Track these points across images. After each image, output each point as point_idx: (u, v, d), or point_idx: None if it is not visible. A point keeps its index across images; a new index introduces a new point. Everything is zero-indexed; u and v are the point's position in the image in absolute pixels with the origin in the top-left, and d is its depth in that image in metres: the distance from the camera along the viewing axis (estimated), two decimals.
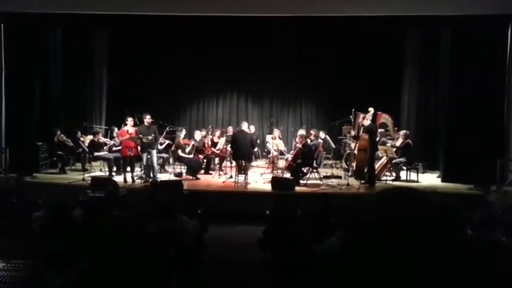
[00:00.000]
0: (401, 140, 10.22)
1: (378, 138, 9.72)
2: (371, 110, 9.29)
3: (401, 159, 10.01)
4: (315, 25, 10.46)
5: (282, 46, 12.49)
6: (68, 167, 10.89)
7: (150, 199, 5.10)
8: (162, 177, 9.69)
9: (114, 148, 10.48)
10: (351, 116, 10.25)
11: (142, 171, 9.53)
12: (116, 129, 11.12)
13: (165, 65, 13.00)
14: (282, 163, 11.07)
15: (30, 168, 9.79)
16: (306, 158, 9.45)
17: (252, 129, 11.58)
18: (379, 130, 10.02)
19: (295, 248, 3.89)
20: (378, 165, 9.78)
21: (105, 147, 10.53)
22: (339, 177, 10.20)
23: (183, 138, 10.61)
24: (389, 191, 1.04)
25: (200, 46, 12.63)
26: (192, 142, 10.54)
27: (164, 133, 10.52)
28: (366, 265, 0.93)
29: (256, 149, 11.62)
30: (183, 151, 10.27)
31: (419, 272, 0.89)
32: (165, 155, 11.03)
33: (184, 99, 14.11)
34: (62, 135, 10.75)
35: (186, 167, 10.41)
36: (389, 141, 10.45)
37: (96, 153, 10.17)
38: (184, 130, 11.12)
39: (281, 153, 11.08)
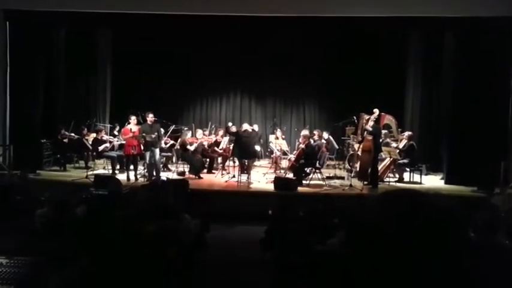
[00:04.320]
0: (405, 142, 10.18)
1: (381, 140, 9.70)
2: (376, 111, 9.27)
3: (404, 161, 9.98)
4: (319, 25, 10.46)
5: (286, 46, 12.47)
6: (71, 164, 10.93)
7: (153, 198, 5.11)
8: (164, 175, 9.70)
9: (115, 143, 10.49)
10: (354, 117, 10.24)
11: (145, 170, 9.56)
12: (117, 127, 11.14)
13: (168, 64, 13.01)
14: (284, 163, 11.06)
15: (34, 165, 9.82)
16: (308, 158, 9.43)
17: (256, 128, 11.57)
18: (383, 131, 10.00)
19: (297, 248, 3.89)
20: (381, 166, 9.75)
21: (108, 145, 10.55)
22: (342, 178, 10.19)
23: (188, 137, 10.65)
24: (392, 193, 1.04)
25: (204, 45, 12.63)
26: (197, 140, 10.54)
27: (169, 132, 10.54)
28: (367, 266, 0.93)
29: (259, 148, 11.62)
30: (187, 149, 10.29)
31: (421, 274, 0.89)
32: (168, 154, 11.05)
33: (188, 99, 14.12)
34: (66, 132, 10.79)
35: (189, 166, 10.42)
36: (393, 143, 10.42)
37: (100, 148, 10.23)
38: (190, 131, 11.13)
39: (284, 153, 11.07)
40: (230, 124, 11.93)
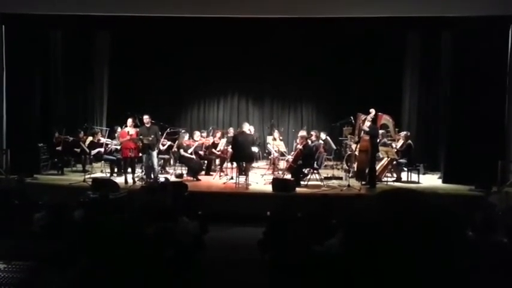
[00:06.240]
0: (402, 141, 10.21)
1: (379, 140, 9.71)
2: (372, 111, 9.28)
3: (402, 160, 10.00)
4: (316, 26, 10.47)
5: (283, 47, 12.48)
6: (68, 168, 10.89)
7: (151, 200, 5.10)
8: (162, 178, 9.68)
9: (112, 146, 10.46)
10: (351, 117, 10.25)
11: (143, 173, 9.54)
12: (119, 129, 11.15)
13: (166, 66, 13.01)
14: (282, 164, 11.06)
15: (31, 169, 9.79)
16: (306, 159, 9.44)
17: (253, 130, 11.58)
18: (380, 131, 10.01)
19: (296, 249, 3.89)
20: (378, 166, 9.77)
21: (107, 148, 10.53)
22: (340, 178, 10.20)
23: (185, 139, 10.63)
24: (389, 192, 1.04)
25: (201, 47, 12.63)
26: (195, 142, 10.54)
27: (165, 134, 10.53)
28: (366, 267, 0.93)
29: (257, 150, 11.61)
30: (185, 151, 10.29)
31: (419, 274, 0.89)
32: (166, 156, 11.04)
33: (185, 100, 14.11)
34: (60, 136, 10.75)
35: (186, 168, 10.41)
36: (391, 143, 10.44)
37: (93, 152, 10.20)
38: (187, 133, 11.11)
39: (282, 154, 11.07)
40: (231, 129, 11.89)
